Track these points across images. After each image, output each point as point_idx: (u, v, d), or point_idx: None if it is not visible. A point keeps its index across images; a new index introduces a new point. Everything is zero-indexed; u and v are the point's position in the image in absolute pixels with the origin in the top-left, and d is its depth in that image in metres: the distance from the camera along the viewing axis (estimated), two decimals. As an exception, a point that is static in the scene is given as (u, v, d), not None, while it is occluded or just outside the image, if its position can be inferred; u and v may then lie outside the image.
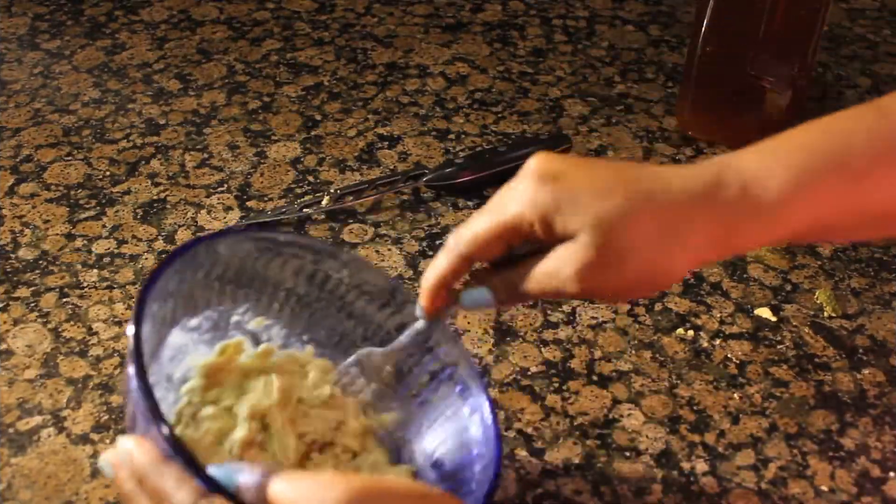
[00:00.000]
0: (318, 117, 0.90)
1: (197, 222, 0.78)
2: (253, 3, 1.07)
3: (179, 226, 0.78)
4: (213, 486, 0.42)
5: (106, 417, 0.63)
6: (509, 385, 0.65)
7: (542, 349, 0.68)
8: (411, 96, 0.94)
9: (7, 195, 0.80)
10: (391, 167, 0.85)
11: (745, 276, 0.75)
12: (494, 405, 0.55)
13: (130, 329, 0.46)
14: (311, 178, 0.83)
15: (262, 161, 0.85)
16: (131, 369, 0.44)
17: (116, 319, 0.69)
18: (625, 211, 0.46)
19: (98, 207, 0.79)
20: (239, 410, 0.53)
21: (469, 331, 0.69)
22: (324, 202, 0.79)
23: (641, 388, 0.66)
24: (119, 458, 0.45)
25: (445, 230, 0.78)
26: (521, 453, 0.61)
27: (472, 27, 1.04)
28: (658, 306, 0.72)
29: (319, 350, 0.59)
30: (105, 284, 0.72)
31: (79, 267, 0.74)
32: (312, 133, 0.88)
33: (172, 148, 0.86)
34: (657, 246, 0.46)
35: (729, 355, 0.68)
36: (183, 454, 0.42)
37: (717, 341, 0.69)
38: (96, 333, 0.68)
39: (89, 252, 0.75)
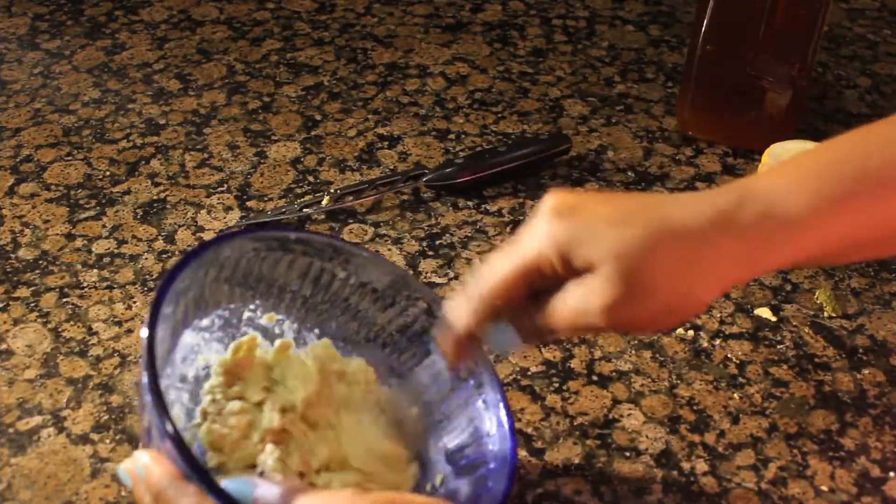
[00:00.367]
0: (318, 117, 0.90)
1: (197, 222, 0.78)
2: (253, 3, 1.07)
3: (179, 226, 0.78)
4: (229, 502, 0.42)
5: (106, 417, 0.63)
6: (509, 385, 0.65)
7: (542, 349, 0.68)
8: (411, 96, 0.94)
9: (7, 195, 0.80)
10: (391, 167, 0.85)
11: (745, 276, 0.75)
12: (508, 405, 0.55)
13: (144, 332, 0.46)
14: (311, 178, 0.83)
15: (262, 161, 0.85)
16: (145, 379, 0.44)
17: (116, 319, 0.69)
18: (645, 240, 0.45)
19: (98, 207, 0.79)
20: (272, 401, 0.54)
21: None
22: (324, 202, 0.79)
23: (641, 388, 0.66)
24: (136, 473, 0.45)
25: (445, 230, 0.78)
26: (521, 453, 0.61)
27: (472, 27, 1.04)
28: (658, 306, 0.72)
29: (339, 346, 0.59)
30: (105, 284, 0.72)
31: (79, 267, 0.74)
32: (312, 133, 0.88)
33: (172, 148, 0.86)
34: (684, 273, 0.45)
35: (729, 355, 0.68)
36: (198, 471, 0.42)
37: (717, 341, 0.69)
38: (96, 333, 0.68)
39: (89, 252, 0.75)
